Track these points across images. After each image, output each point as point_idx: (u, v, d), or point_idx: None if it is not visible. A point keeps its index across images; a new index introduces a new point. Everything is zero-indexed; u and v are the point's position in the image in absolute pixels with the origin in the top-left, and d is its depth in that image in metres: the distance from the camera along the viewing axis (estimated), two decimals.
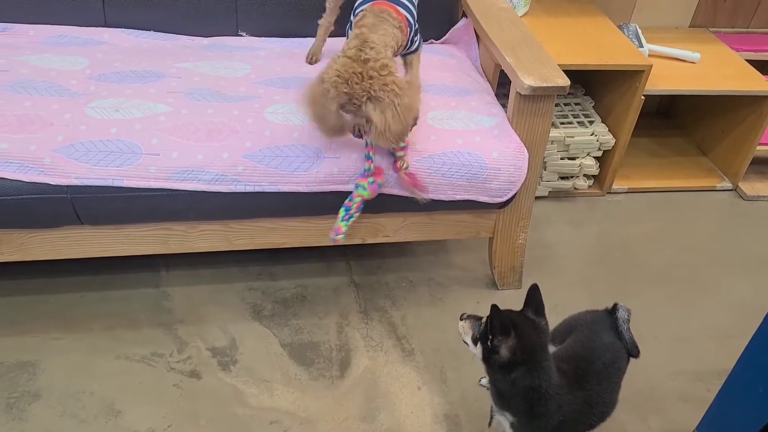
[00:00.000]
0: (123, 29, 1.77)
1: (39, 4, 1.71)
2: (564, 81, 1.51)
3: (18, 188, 1.33)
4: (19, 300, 1.65)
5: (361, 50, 1.24)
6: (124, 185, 1.37)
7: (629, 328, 1.34)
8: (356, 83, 1.21)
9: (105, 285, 1.71)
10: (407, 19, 1.41)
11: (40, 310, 1.63)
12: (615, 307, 1.36)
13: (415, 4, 1.50)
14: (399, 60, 1.51)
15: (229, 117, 1.47)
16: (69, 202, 1.37)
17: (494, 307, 1.12)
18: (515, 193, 1.56)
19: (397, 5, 1.40)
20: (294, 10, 1.83)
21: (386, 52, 1.29)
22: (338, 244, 1.50)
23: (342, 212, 1.44)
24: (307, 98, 1.29)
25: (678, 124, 2.57)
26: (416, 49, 1.53)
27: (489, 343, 1.13)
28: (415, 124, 1.43)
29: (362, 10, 1.38)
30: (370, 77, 1.22)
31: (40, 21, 1.73)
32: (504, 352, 1.12)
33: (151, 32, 1.78)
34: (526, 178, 1.57)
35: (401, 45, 1.40)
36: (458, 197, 1.54)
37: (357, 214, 1.45)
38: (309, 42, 1.83)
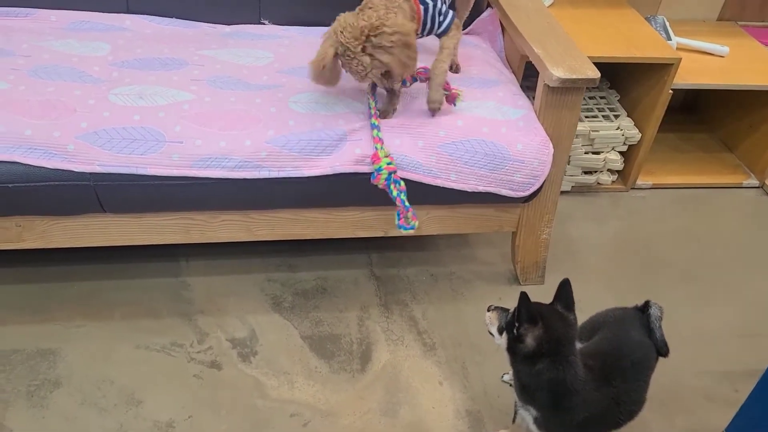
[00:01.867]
0: (145, 15, 1.75)
1: None
2: (594, 73, 1.48)
3: (42, 175, 1.32)
4: (42, 287, 1.64)
5: (361, 10, 1.37)
6: (147, 173, 1.35)
7: (661, 326, 1.31)
8: (350, 33, 1.31)
9: (126, 273, 1.70)
10: None
11: (62, 296, 1.62)
12: (647, 304, 1.34)
13: None
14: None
15: (252, 105, 1.45)
16: (92, 189, 1.35)
17: (523, 294, 1.10)
18: (538, 188, 1.53)
19: None
20: None
21: (386, 12, 1.35)
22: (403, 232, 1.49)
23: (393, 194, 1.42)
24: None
25: (703, 119, 2.52)
26: (444, 30, 1.50)
27: (515, 331, 1.11)
28: (433, 110, 1.48)
29: None
30: (367, 35, 1.31)
31: (62, 6, 1.71)
32: (530, 341, 1.10)
33: (173, 19, 1.77)
34: (551, 172, 1.55)
35: (413, 17, 1.43)
36: (480, 188, 1.51)
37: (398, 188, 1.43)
38: None
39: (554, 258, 1.87)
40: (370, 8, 1.36)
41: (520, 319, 1.11)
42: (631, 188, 2.19)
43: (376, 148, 1.40)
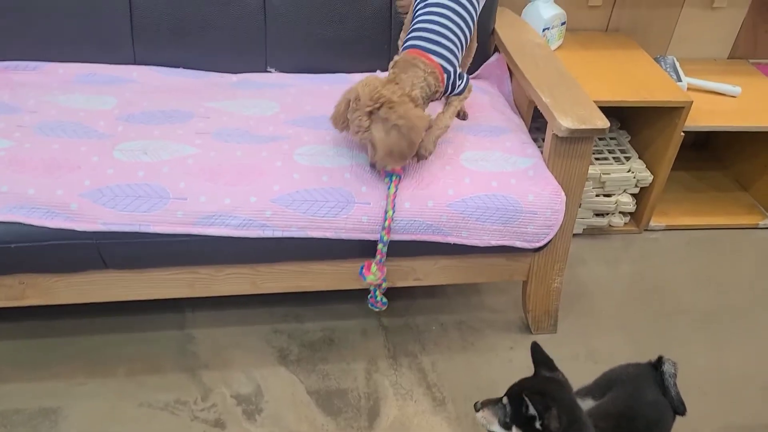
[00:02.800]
0: (152, 66, 1.76)
1: (69, 42, 1.70)
2: (603, 123, 1.45)
3: (44, 234, 1.31)
4: (46, 342, 1.62)
5: (389, 81, 1.36)
6: (151, 231, 1.34)
7: (676, 383, 1.27)
8: (368, 92, 1.30)
9: (130, 326, 1.68)
10: (443, 67, 1.44)
11: (65, 352, 1.60)
12: (660, 360, 1.29)
13: (457, 52, 1.49)
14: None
15: (257, 159, 1.44)
16: (95, 247, 1.34)
17: (526, 391, 1.08)
18: (553, 237, 1.50)
19: (431, 54, 1.43)
20: (323, 46, 1.81)
21: (411, 90, 1.36)
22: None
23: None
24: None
25: (716, 158, 2.49)
26: (460, 92, 1.52)
27: (541, 425, 1.07)
28: (420, 157, 1.46)
29: (396, 58, 1.44)
30: (381, 103, 1.30)
31: (70, 59, 1.72)
32: (555, 424, 1.06)
33: (180, 69, 1.77)
34: (563, 221, 1.52)
35: (437, 90, 1.44)
36: (494, 243, 1.48)
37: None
38: (340, 78, 1.81)
39: (566, 303, 1.83)
40: (397, 84, 1.36)
41: (541, 412, 1.06)
42: (644, 230, 2.15)
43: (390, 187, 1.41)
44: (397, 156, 1.33)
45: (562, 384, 1.15)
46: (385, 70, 1.50)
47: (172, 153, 1.42)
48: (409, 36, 1.49)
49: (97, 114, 1.54)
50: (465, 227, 1.45)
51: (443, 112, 1.49)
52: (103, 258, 1.37)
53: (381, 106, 1.29)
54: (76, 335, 1.64)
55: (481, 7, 1.61)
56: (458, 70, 1.50)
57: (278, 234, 1.37)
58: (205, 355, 1.62)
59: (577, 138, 1.47)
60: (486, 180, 1.47)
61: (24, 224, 1.29)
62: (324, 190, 1.39)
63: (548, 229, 1.49)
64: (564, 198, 1.49)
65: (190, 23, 1.72)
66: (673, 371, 1.28)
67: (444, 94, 1.50)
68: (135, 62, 1.76)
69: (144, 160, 1.40)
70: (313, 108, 1.65)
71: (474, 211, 1.44)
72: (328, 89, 1.74)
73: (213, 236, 1.36)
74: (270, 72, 1.83)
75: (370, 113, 1.30)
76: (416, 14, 1.54)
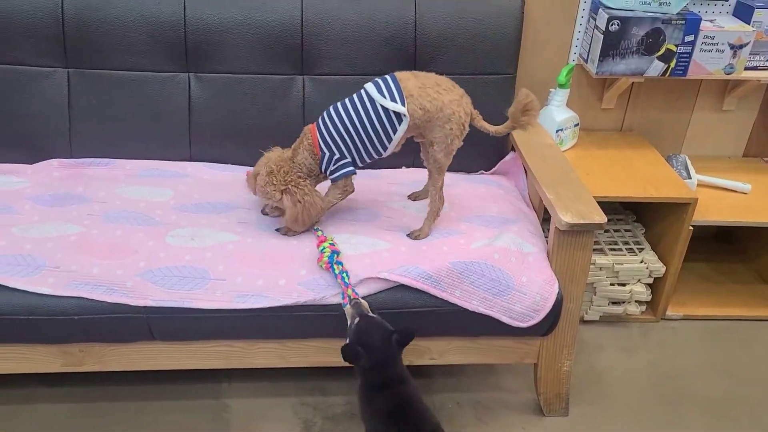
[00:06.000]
0: (205, 163, 2.01)
1: (137, 141, 1.98)
2: (601, 218, 1.59)
3: (102, 308, 1.52)
4: (98, 406, 1.80)
5: (289, 159, 1.67)
6: (193, 306, 1.53)
7: None
8: (275, 176, 1.63)
9: (171, 394, 1.85)
10: (319, 142, 1.65)
11: (114, 417, 1.77)
12: None
13: (345, 142, 1.64)
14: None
15: (288, 246, 1.64)
16: (145, 321, 1.54)
17: None
18: (540, 322, 1.61)
19: (317, 127, 1.66)
20: None
21: (297, 167, 1.67)
22: None
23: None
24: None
25: (738, 250, 2.56)
26: (335, 178, 1.68)
27: None
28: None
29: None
30: (286, 178, 1.63)
31: (137, 156, 2.00)
32: None
33: (229, 165, 2.02)
34: (567, 307, 1.64)
35: (314, 166, 1.68)
36: (481, 310, 1.59)
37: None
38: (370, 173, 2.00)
39: (581, 389, 1.91)
40: (293, 161, 1.68)
41: None
42: (662, 319, 2.22)
43: (317, 232, 1.65)
44: (300, 223, 1.64)
45: None
46: None
47: (216, 239, 1.64)
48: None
49: (155, 204, 1.78)
50: (459, 287, 1.57)
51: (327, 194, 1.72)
52: (152, 330, 1.57)
53: (289, 186, 1.62)
54: (124, 400, 1.82)
55: (397, 137, 1.64)
56: (339, 159, 1.65)
57: (303, 313, 1.54)
58: (236, 424, 1.77)
59: (578, 231, 1.61)
60: (490, 250, 1.62)
61: (87, 299, 1.51)
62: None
63: (535, 313, 1.60)
64: (557, 288, 1.61)
65: (238, 126, 1.99)
66: None
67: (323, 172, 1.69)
68: (190, 159, 2.02)
69: (191, 245, 1.61)
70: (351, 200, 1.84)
71: (471, 274, 1.57)
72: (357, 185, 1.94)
73: (246, 313, 1.54)
74: None
75: (281, 191, 1.61)
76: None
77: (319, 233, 1.66)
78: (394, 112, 1.59)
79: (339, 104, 1.65)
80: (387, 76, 1.62)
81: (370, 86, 1.62)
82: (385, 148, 1.66)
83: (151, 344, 1.63)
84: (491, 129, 1.67)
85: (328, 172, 1.68)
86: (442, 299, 1.57)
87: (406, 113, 1.59)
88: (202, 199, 1.82)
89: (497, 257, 1.61)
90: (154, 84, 1.94)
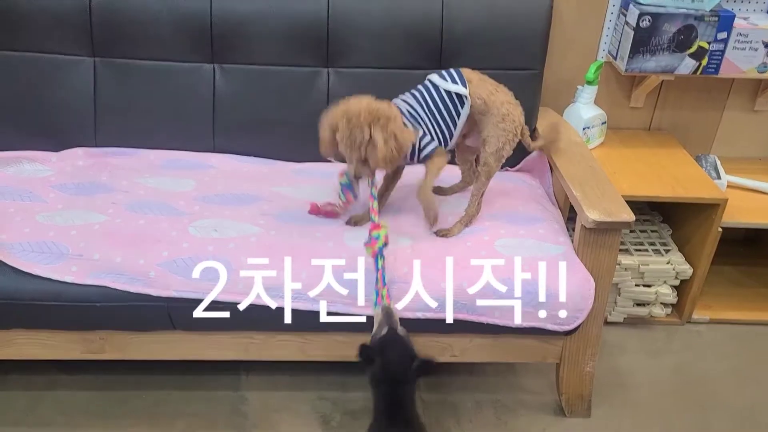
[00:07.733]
0: (228, 154, 2.00)
1: (162, 133, 1.98)
2: (629, 216, 1.56)
3: (125, 297, 1.52)
4: (117, 395, 1.81)
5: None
6: (215, 298, 1.52)
7: None
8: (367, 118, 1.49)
9: (191, 385, 1.85)
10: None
11: (133, 406, 1.78)
12: None
13: (423, 115, 1.63)
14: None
15: (312, 239, 1.62)
16: (165, 310, 1.54)
17: None
18: (582, 322, 1.59)
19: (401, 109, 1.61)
20: None
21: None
22: None
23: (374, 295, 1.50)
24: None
25: (766, 254, 2.50)
26: (427, 155, 1.64)
27: None
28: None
29: None
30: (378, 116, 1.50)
31: (160, 146, 2.00)
32: None
33: (252, 158, 2.01)
34: (593, 307, 1.61)
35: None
36: (525, 324, 1.58)
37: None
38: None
39: (603, 391, 1.88)
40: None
41: None
42: (687, 322, 2.18)
43: (373, 220, 1.54)
44: (389, 161, 1.52)
45: None
46: None
47: (238, 231, 1.63)
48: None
49: (178, 195, 1.78)
50: (499, 310, 1.56)
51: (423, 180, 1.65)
52: (172, 320, 1.57)
53: (379, 119, 1.49)
54: (143, 390, 1.83)
55: (462, 120, 1.66)
56: (422, 137, 1.62)
57: (325, 308, 1.53)
58: (254, 416, 1.77)
59: (604, 230, 1.58)
60: (519, 265, 1.59)
61: (109, 288, 1.51)
62: (369, 271, 1.54)
63: (578, 313, 1.58)
64: (593, 284, 1.59)
65: (262, 118, 1.98)
66: None
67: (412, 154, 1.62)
68: (214, 150, 2.01)
69: (213, 236, 1.61)
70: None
71: (506, 293, 1.55)
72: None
73: (267, 306, 1.53)
74: (330, 161, 2.04)
75: (369, 125, 1.48)
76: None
77: (375, 219, 1.55)
78: (457, 94, 1.63)
79: (405, 94, 1.67)
80: (450, 69, 1.67)
81: (433, 75, 1.67)
82: (452, 134, 1.66)
83: (171, 333, 1.63)
84: (531, 144, 1.79)
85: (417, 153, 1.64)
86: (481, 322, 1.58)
87: (468, 95, 1.63)
88: (225, 190, 1.81)
89: (528, 269, 1.57)
90: (179, 74, 1.94)
